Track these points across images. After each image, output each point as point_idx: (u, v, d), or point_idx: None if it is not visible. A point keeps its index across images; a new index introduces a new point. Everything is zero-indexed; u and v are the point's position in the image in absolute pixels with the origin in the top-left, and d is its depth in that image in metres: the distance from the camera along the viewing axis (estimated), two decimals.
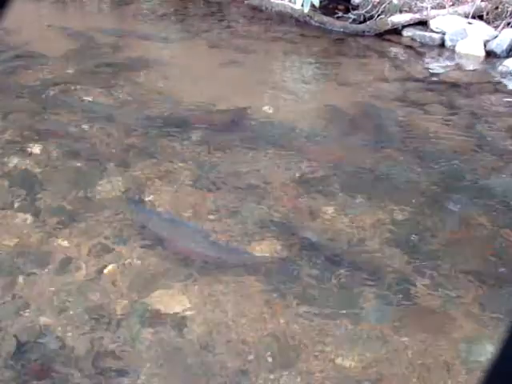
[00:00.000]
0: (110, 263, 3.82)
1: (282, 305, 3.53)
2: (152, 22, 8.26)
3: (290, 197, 4.48)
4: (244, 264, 3.90)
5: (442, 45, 7.55)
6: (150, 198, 4.47)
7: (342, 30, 7.97)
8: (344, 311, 3.49)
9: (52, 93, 6.01)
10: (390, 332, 3.35)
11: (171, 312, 3.46)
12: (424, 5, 7.83)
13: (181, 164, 4.85)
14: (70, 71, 6.49)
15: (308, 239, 4.05)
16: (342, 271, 3.76)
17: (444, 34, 7.57)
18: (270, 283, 3.68)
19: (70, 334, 3.33)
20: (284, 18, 8.25)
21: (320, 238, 4.07)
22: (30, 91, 6.02)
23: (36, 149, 5.03)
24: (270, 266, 3.83)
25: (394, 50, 7.66)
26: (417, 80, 6.74)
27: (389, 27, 7.81)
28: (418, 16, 7.82)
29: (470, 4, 7.82)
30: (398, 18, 7.83)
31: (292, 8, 8.04)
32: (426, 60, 7.43)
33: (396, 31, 7.83)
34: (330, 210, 4.32)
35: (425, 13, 7.78)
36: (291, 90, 6.38)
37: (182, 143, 5.14)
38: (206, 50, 7.28)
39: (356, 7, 8.11)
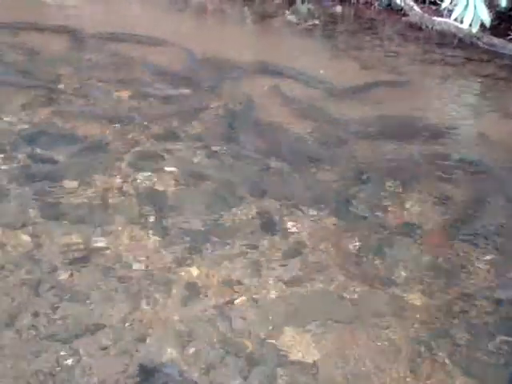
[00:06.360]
0: (240, 295, 3.61)
1: (429, 361, 3.19)
2: (297, 36, 7.74)
3: None
4: (383, 315, 3.50)
5: None
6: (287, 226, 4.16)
7: None
8: None
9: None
10: None
11: (301, 355, 3.24)
12: None
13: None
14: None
15: None
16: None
17: None
18: (413, 333, 3.34)
19: (194, 368, 3.13)
20: (446, 37, 7.41)
21: None
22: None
23: (169, 168, 4.79)
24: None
25: None
26: None
27: None
28: None
29: None
30: None
31: (457, 27, 7.14)
32: None
33: None
34: None
35: None
36: (448, 125, 5.58)
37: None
38: (355, 70, 6.64)
39: None
